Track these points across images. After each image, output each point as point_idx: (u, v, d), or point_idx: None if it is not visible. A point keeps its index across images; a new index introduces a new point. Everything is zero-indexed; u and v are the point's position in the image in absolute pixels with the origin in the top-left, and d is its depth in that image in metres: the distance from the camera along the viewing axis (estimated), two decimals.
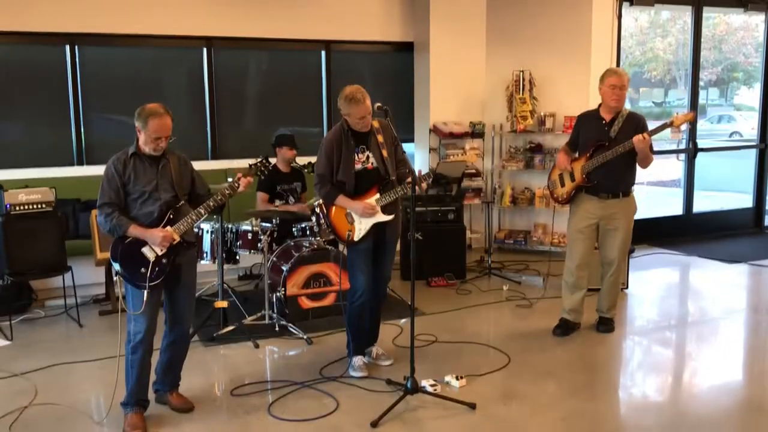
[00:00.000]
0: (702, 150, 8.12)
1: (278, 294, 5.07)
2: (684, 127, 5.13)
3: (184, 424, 3.62)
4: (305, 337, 4.79)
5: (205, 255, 5.23)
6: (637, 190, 4.87)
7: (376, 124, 4.08)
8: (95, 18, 6.08)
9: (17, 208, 5.07)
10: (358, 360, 4.24)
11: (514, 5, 7.22)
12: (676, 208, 8.48)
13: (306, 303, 5.19)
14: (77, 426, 3.61)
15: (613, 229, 4.74)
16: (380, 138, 4.05)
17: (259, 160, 3.98)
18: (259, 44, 6.85)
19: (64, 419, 3.66)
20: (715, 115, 16.01)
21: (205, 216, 3.57)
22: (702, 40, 8.01)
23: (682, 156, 8.10)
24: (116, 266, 3.44)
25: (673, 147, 8.05)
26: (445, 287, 6.16)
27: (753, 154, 8.71)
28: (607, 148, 4.57)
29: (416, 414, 3.67)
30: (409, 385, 3.75)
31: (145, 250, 3.43)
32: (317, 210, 4.97)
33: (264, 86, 7.03)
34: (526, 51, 7.12)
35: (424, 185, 4.06)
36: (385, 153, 4.04)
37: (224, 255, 5.14)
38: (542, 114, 7.09)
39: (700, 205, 8.45)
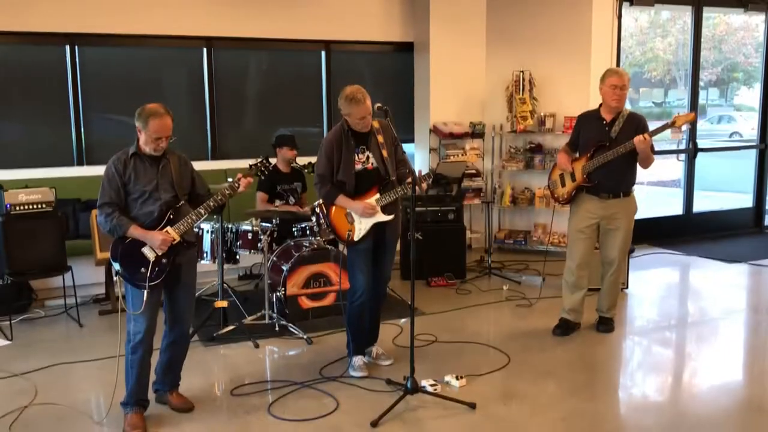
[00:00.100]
0: (702, 150, 8.13)
1: (278, 294, 5.07)
2: (684, 127, 5.13)
3: (184, 424, 3.62)
4: (305, 337, 4.79)
5: (205, 255, 5.23)
6: (637, 190, 4.87)
7: (376, 124, 4.08)
8: (95, 18, 6.08)
9: (17, 208, 5.07)
10: (358, 360, 4.24)
11: (514, 5, 7.22)
12: (676, 208, 8.48)
13: (306, 303, 5.19)
14: (77, 426, 3.61)
15: (614, 229, 4.74)
16: (380, 138, 4.05)
17: (259, 160, 3.99)
18: (259, 44, 6.85)
19: (64, 419, 3.66)
20: (715, 115, 16.01)
21: (205, 216, 3.57)
22: (702, 40, 8.01)
23: (682, 156, 8.10)
24: (116, 266, 3.44)
25: (673, 147, 8.05)
26: (445, 287, 6.16)
27: (753, 154, 8.72)
28: (608, 148, 4.57)
29: (416, 414, 3.67)
30: (409, 384, 3.75)
31: (145, 250, 3.43)
32: (317, 210, 4.97)
33: (264, 86, 7.03)
34: (526, 51, 7.12)
35: (424, 185, 4.06)
36: (385, 153, 4.04)
37: (224, 255, 5.14)
38: (542, 114, 7.09)
39: (700, 205, 8.45)
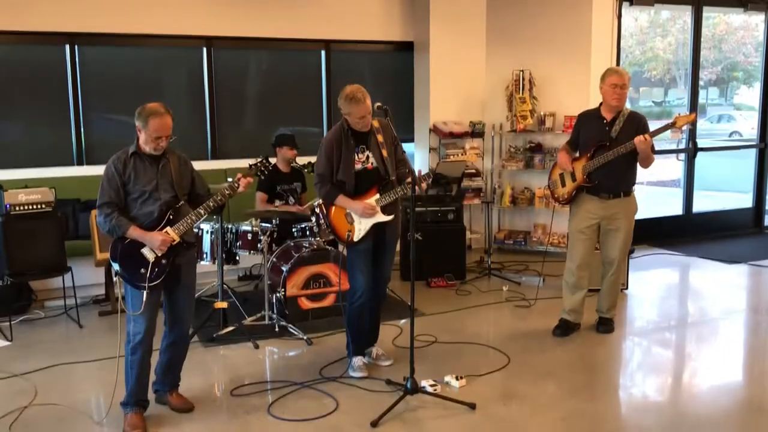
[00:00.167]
0: (702, 150, 8.12)
1: (278, 295, 5.07)
2: (684, 127, 5.12)
3: (184, 424, 3.62)
4: (305, 337, 4.79)
5: (204, 255, 5.22)
6: (636, 190, 4.87)
7: (376, 123, 4.08)
8: (95, 18, 6.07)
9: (17, 208, 5.06)
10: (357, 360, 4.23)
11: (514, 5, 7.21)
12: (676, 208, 8.47)
13: (306, 304, 5.19)
14: (77, 426, 3.61)
15: (615, 229, 4.74)
16: (380, 138, 4.05)
17: (259, 160, 3.98)
18: (259, 44, 6.84)
19: (64, 419, 3.66)
20: (715, 114, 16.00)
21: (204, 216, 3.57)
22: (702, 39, 8.01)
23: (682, 156, 8.09)
24: (115, 266, 3.44)
25: (673, 147, 8.05)
26: (444, 288, 6.15)
27: (753, 153, 8.71)
28: (608, 148, 4.57)
29: (416, 414, 3.67)
30: (408, 385, 3.75)
31: (145, 250, 3.43)
32: (317, 210, 4.96)
33: (264, 86, 7.03)
34: (526, 51, 7.12)
35: (423, 185, 4.05)
36: (384, 153, 4.03)
37: (224, 255, 5.13)
38: (542, 114, 7.09)
39: (700, 205, 8.44)
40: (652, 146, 4.53)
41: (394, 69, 7.55)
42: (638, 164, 4.68)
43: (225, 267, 5.15)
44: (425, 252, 6.10)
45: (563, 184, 4.85)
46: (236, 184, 3.64)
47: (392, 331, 4.95)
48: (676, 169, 8.94)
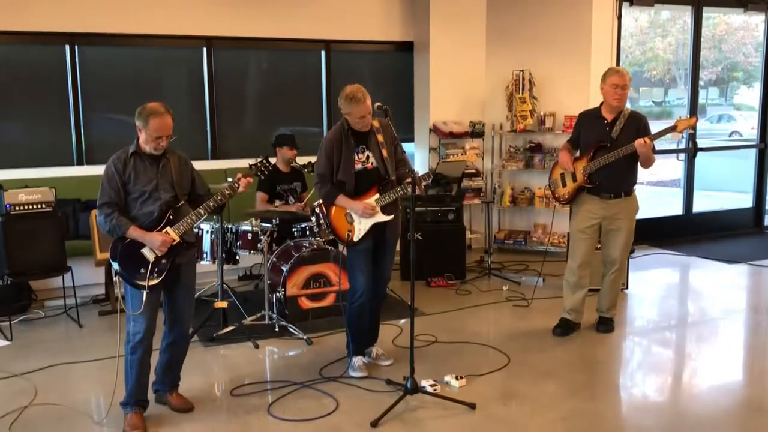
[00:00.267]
0: (702, 150, 8.12)
1: (278, 294, 5.07)
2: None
3: (184, 424, 3.62)
4: (305, 337, 4.79)
5: (204, 255, 5.22)
6: (637, 190, 4.86)
7: (376, 123, 4.07)
8: (95, 18, 6.08)
9: (17, 208, 5.06)
10: (357, 360, 4.23)
11: (514, 5, 7.21)
12: (676, 208, 8.48)
13: (306, 303, 5.19)
14: (77, 426, 3.61)
15: (616, 229, 4.73)
16: (380, 138, 4.05)
17: (259, 160, 3.98)
18: (259, 44, 6.84)
19: (64, 419, 3.66)
20: (715, 114, 16.01)
21: (204, 216, 3.57)
22: (702, 39, 8.01)
23: (682, 156, 8.09)
24: (115, 266, 3.44)
25: (673, 147, 8.05)
26: (444, 287, 6.15)
27: (753, 153, 8.71)
28: (609, 149, 4.57)
29: (416, 414, 3.67)
30: (408, 385, 3.75)
31: (145, 250, 3.43)
32: (317, 210, 4.96)
33: (264, 86, 7.03)
34: (526, 51, 7.12)
35: (423, 185, 4.05)
36: (385, 153, 4.03)
37: (224, 255, 5.13)
38: (542, 114, 7.09)
39: (700, 205, 8.44)
40: (653, 147, 4.53)
41: (394, 69, 7.55)
42: (639, 165, 4.68)
43: (225, 267, 5.15)
44: (425, 252, 6.10)
45: (564, 184, 4.85)
46: (236, 184, 3.63)
47: (392, 330, 4.95)
48: (676, 169, 8.95)
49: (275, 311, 5.02)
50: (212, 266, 5.31)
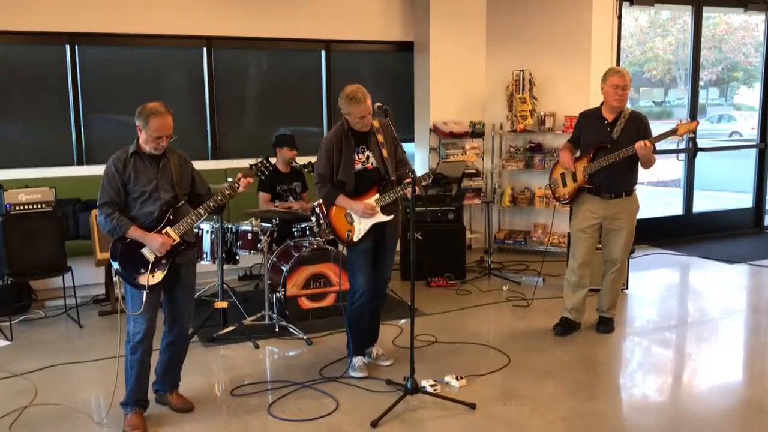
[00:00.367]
0: (702, 150, 8.11)
1: (278, 294, 5.07)
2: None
3: (184, 424, 3.62)
4: (305, 337, 4.79)
5: (205, 255, 5.22)
6: (637, 190, 4.86)
7: (376, 123, 4.07)
8: (95, 18, 6.08)
9: (17, 208, 5.07)
10: (357, 360, 4.23)
11: (514, 5, 7.22)
12: (676, 208, 8.48)
13: (306, 303, 5.19)
14: (77, 426, 3.61)
15: (617, 228, 4.73)
16: (380, 138, 4.05)
17: (259, 160, 3.97)
18: (259, 44, 6.84)
19: (64, 419, 3.66)
20: (715, 114, 16.02)
21: (204, 216, 3.57)
22: (702, 39, 8.01)
23: (682, 156, 8.10)
24: (116, 266, 3.44)
25: (673, 147, 8.05)
26: (444, 287, 6.15)
27: (753, 153, 8.71)
28: (610, 149, 4.57)
29: (416, 414, 3.67)
30: (409, 385, 3.75)
31: (145, 250, 3.43)
32: (317, 210, 4.97)
33: (264, 86, 7.03)
34: (526, 51, 7.12)
35: (423, 184, 4.05)
36: (385, 153, 4.03)
37: (224, 255, 5.13)
38: (542, 114, 7.09)
39: (700, 205, 8.45)
40: (654, 147, 4.52)
41: (394, 69, 7.55)
42: (640, 165, 4.68)
43: (225, 267, 5.15)
44: (425, 252, 6.10)
45: (564, 184, 4.85)
46: (236, 185, 3.63)
47: (392, 331, 4.95)
48: (676, 169, 8.95)
49: (275, 311, 5.02)
50: (212, 266, 5.31)
